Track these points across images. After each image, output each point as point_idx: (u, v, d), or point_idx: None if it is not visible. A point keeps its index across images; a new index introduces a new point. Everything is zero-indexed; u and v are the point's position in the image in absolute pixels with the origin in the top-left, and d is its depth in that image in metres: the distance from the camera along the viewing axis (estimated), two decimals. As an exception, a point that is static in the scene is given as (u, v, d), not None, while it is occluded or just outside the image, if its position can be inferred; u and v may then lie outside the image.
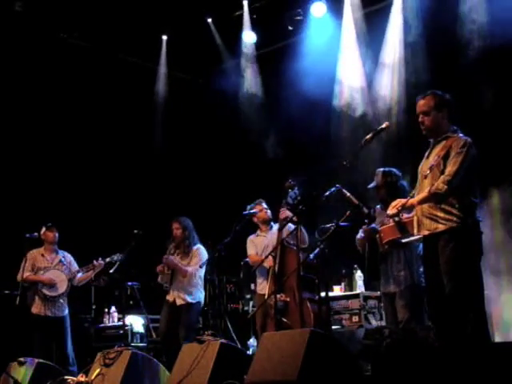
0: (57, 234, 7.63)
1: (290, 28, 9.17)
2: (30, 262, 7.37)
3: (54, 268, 7.55)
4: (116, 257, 7.71)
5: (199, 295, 7.00)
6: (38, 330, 7.33)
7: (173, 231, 7.16)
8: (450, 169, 4.42)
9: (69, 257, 7.75)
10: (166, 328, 6.94)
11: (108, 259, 7.67)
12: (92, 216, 9.30)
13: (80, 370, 6.06)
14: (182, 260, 7.07)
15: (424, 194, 4.50)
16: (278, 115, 9.21)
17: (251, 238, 6.93)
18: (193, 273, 6.95)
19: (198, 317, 7.14)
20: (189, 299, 6.92)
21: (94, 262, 7.63)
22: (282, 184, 6.47)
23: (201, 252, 7.07)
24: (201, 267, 6.97)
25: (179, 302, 6.94)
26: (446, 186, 4.38)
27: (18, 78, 8.83)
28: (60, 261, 7.63)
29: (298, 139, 8.94)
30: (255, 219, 6.84)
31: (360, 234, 5.65)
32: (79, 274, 7.64)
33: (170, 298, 7.02)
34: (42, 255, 7.56)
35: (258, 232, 6.89)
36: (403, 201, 4.66)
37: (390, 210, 4.73)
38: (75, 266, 7.70)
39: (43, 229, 7.53)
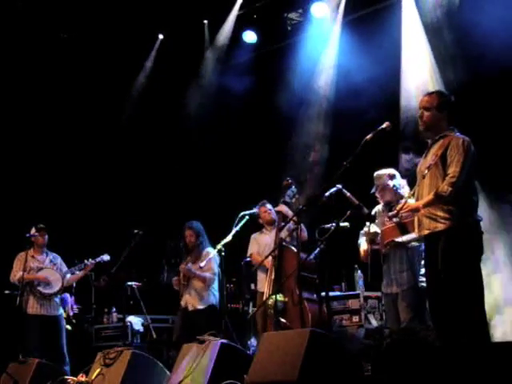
0: (46, 237, 7.64)
1: (290, 28, 9.18)
2: (22, 263, 7.38)
3: (46, 267, 7.57)
4: (105, 257, 7.76)
5: (211, 299, 6.96)
6: (36, 329, 7.34)
7: (186, 237, 7.13)
8: (454, 170, 4.40)
9: (58, 258, 7.78)
10: (180, 334, 6.86)
11: (98, 259, 7.72)
12: (86, 216, 9.32)
13: (80, 369, 6.05)
14: (193, 264, 7.01)
15: (429, 196, 4.47)
16: (277, 115, 9.21)
17: (255, 235, 6.97)
18: (211, 278, 6.96)
19: (214, 319, 6.93)
20: (200, 305, 6.89)
21: (86, 261, 7.67)
22: (281, 183, 6.49)
23: (214, 255, 6.99)
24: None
25: (191, 307, 6.93)
26: (450, 188, 4.36)
27: (18, 77, 8.84)
28: (50, 261, 7.67)
29: (298, 139, 8.94)
30: (260, 220, 6.91)
31: (363, 246, 5.61)
32: (68, 275, 7.67)
33: (182, 303, 7.00)
34: (32, 256, 7.56)
35: (263, 230, 6.94)
36: (411, 205, 4.61)
37: (395, 211, 4.72)
38: (65, 267, 7.73)
39: (33, 229, 7.54)
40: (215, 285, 7.05)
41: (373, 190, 5.55)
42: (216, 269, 6.99)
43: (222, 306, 7.57)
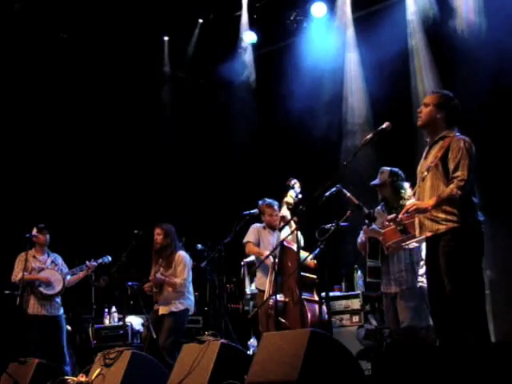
0: (48, 237, 7.63)
1: (290, 28, 9.19)
2: (23, 263, 7.36)
3: (47, 268, 7.57)
4: (106, 258, 7.75)
5: (186, 302, 6.83)
6: (36, 330, 7.34)
7: (154, 237, 6.95)
8: (462, 173, 4.38)
9: (59, 258, 7.78)
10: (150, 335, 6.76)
11: (100, 260, 7.72)
12: (86, 217, 9.32)
13: (80, 370, 6.06)
14: (165, 271, 6.86)
15: (437, 198, 4.42)
16: (277, 115, 9.22)
17: (257, 226, 6.81)
18: (182, 284, 6.78)
19: (181, 324, 6.86)
20: (172, 309, 6.75)
21: (87, 263, 7.66)
22: (283, 183, 6.48)
23: (184, 259, 6.86)
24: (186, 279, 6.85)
25: (162, 311, 6.78)
26: (460, 192, 4.35)
27: (18, 78, 8.84)
28: (52, 261, 7.67)
29: (299, 139, 8.95)
30: (263, 218, 6.78)
31: (361, 238, 5.64)
32: (68, 276, 7.67)
33: (156, 307, 6.89)
34: (34, 256, 7.56)
35: (267, 228, 6.78)
36: (420, 205, 4.54)
37: (402, 214, 4.71)
38: (66, 268, 7.73)
39: (34, 230, 7.54)
40: (189, 288, 6.90)
41: (374, 182, 5.56)
42: (187, 274, 6.82)
43: (222, 306, 7.58)
